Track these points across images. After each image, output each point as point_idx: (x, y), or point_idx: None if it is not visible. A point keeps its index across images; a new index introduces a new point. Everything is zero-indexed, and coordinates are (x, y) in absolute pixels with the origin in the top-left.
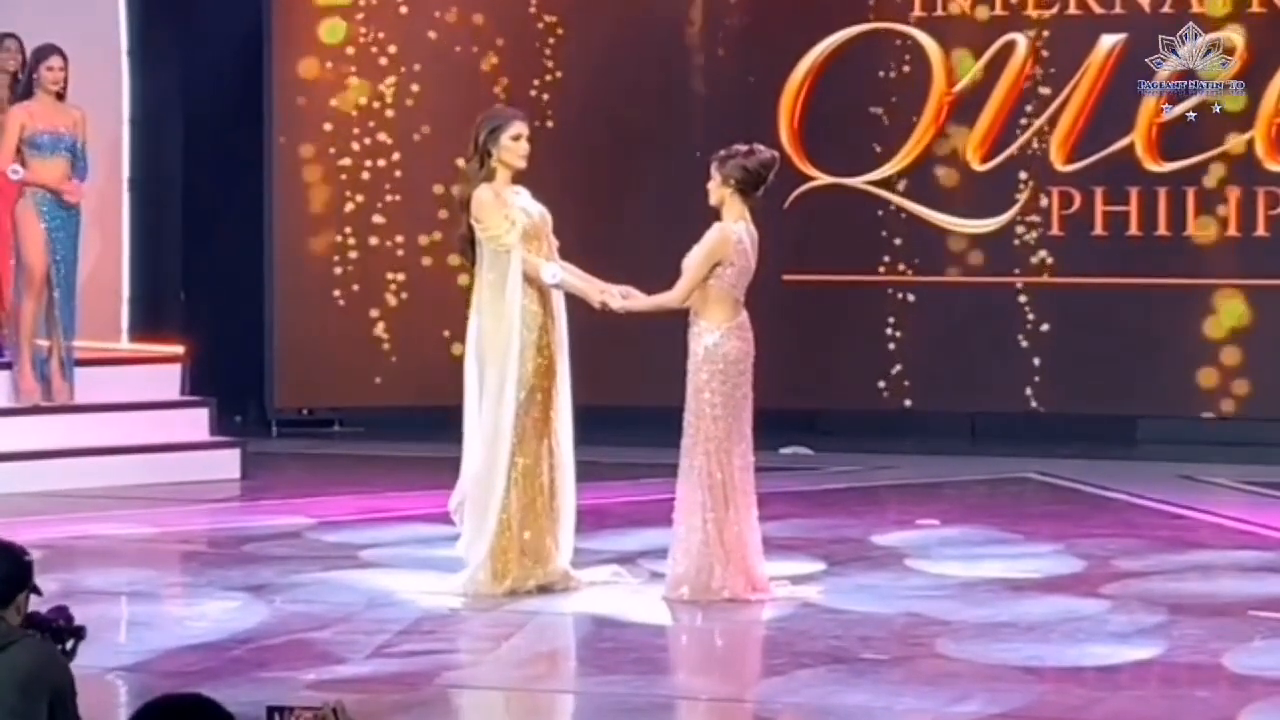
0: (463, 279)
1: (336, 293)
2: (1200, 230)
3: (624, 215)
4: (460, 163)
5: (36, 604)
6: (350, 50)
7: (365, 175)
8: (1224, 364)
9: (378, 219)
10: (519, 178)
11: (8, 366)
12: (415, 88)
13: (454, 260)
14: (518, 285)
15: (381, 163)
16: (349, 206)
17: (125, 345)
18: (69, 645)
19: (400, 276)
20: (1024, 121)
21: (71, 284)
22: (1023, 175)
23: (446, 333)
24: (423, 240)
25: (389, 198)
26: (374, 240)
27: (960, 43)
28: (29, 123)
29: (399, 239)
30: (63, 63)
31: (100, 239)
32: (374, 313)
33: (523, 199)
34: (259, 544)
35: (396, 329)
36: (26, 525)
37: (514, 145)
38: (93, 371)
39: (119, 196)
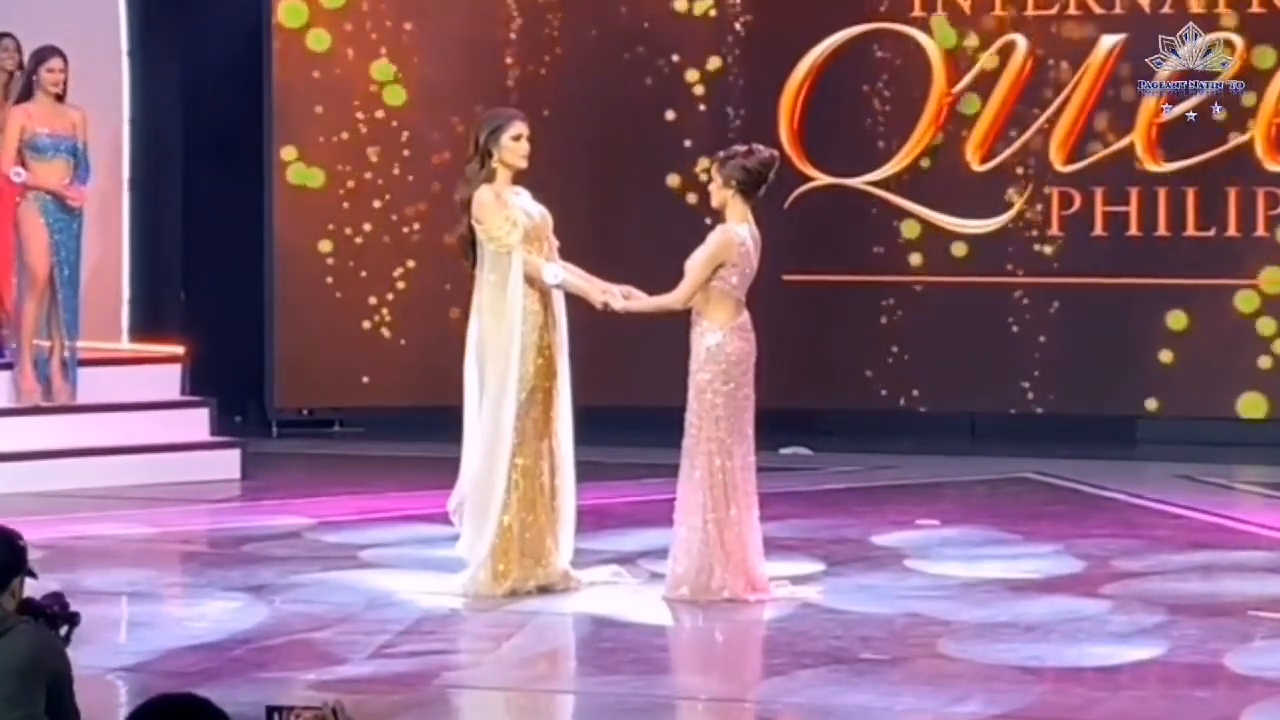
0: (447, 238)
1: (336, 292)
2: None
3: (622, 214)
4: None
5: (33, 590)
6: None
7: (365, 176)
8: (1225, 364)
9: (377, 219)
10: (519, 177)
11: (8, 367)
12: (416, 87)
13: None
14: (519, 286)
15: (382, 160)
16: (349, 204)
17: (125, 345)
18: (64, 631)
19: (409, 265)
20: (1024, 121)
21: (75, 285)
22: (1022, 175)
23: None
24: (422, 239)
25: (390, 197)
26: (373, 241)
27: (960, 42)
28: (29, 124)
29: (399, 239)
30: (63, 64)
31: (100, 239)
32: (374, 311)
33: (523, 199)
34: (259, 544)
35: (396, 330)
36: (26, 525)
37: (514, 145)
38: (93, 371)
39: (119, 196)
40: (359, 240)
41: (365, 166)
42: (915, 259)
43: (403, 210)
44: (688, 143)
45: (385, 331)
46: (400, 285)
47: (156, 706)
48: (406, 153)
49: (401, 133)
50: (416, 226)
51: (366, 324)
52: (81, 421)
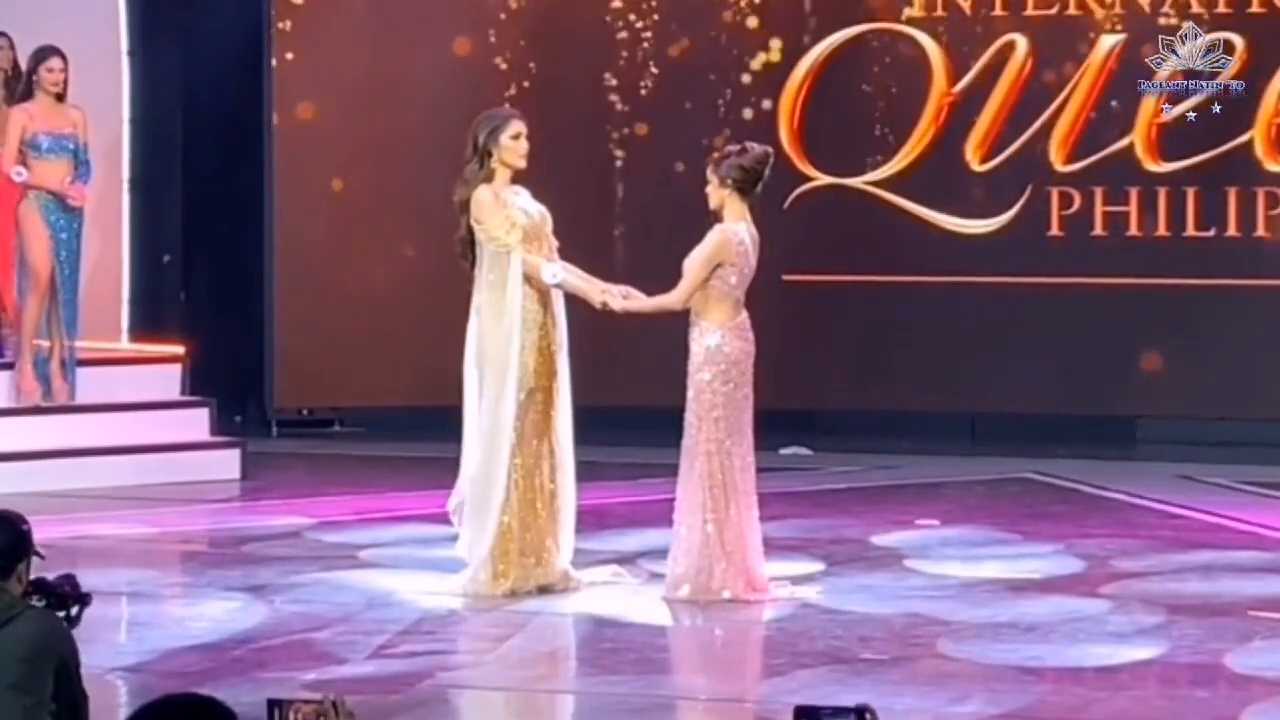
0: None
1: (336, 293)
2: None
3: (621, 214)
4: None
5: (41, 569)
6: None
7: (366, 175)
8: (1223, 364)
9: (378, 218)
10: (518, 177)
11: (8, 367)
12: (420, 85)
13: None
14: (518, 286)
15: (382, 161)
16: (350, 205)
17: (125, 345)
18: (74, 612)
19: (401, 276)
20: (1024, 121)
21: (75, 285)
22: (1022, 175)
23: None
24: (422, 240)
25: (390, 197)
26: (374, 240)
27: (960, 43)
28: (29, 124)
29: (399, 239)
30: (62, 64)
31: (100, 239)
32: (374, 313)
33: (522, 199)
34: (259, 544)
35: (397, 329)
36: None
37: (514, 145)
38: (93, 371)
39: (119, 196)
40: (359, 240)
41: (366, 162)
42: (915, 259)
43: (405, 207)
44: (683, 143)
45: (385, 331)
46: (401, 284)
47: (161, 707)
48: (411, 146)
49: (406, 123)
50: (419, 222)
51: (367, 323)
52: (81, 421)
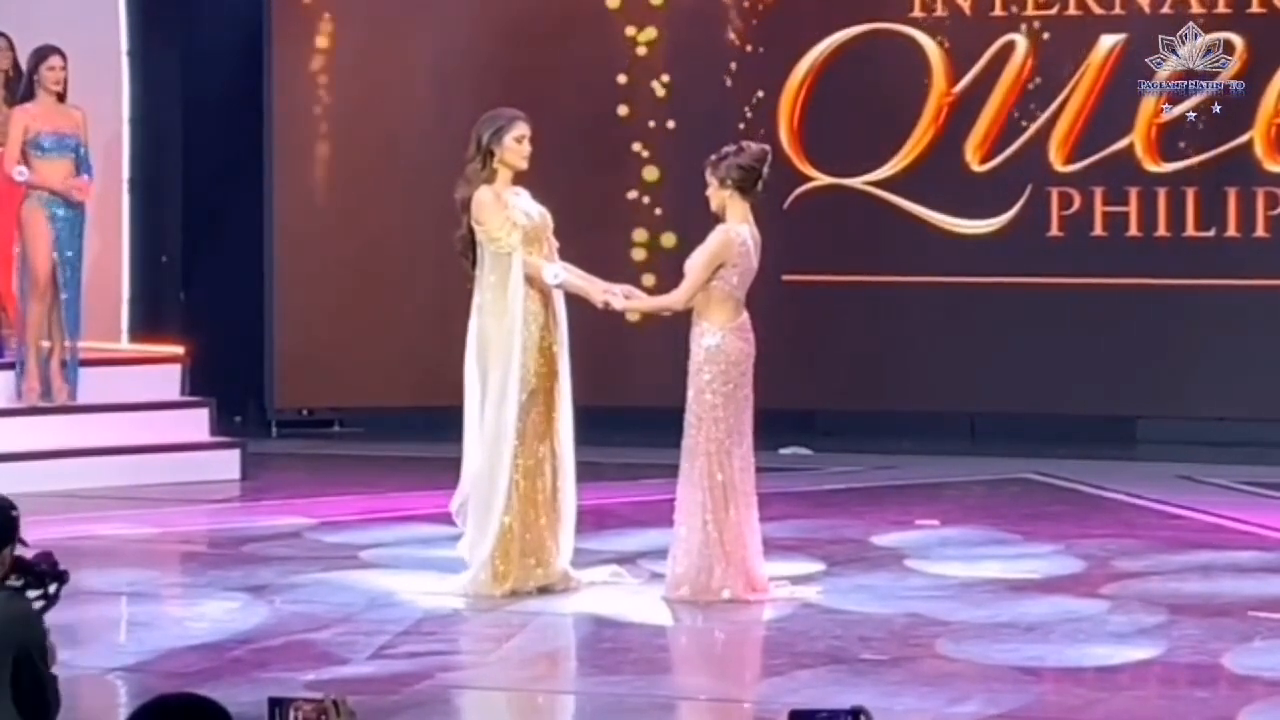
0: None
1: (336, 293)
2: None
3: (621, 215)
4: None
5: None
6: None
7: (366, 175)
8: (1223, 364)
9: (378, 219)
10: (519, 178)
11: (9, 367)
12: (419, 87)
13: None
14: (519, 286)
15: (382, 161)
16: (350, 206)
17: (125, 345)
18: (52, 589)
19: (401, 276)
20: (1023, 122)
21: (77, 285)
22: (1022, 175)
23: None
24: (422, 240)
25: (390, 198)
26: (374, 240)
27: (960, 42)
28: (32, 124)
29: (399, 239)
30: (63, 63)
31: (100, 239)
32: (374, 313)
33: (523, 200)
34: (259, 544)
35: (397, 329)
36: (27, 525)
37: (517, 147)
38: (93, 371)
39: (119, 196)
40: (359, 240)
41: (366, 163)
42: (915, 259)
43: (405, 207)
44: (685, 144)
45: (385, 331)
46: (402, 284)
47: (156, 707)
48: (410, 147)
49: (406, 124)
50: (420, 221)
51: (367, 323)
52: (81, 421)
